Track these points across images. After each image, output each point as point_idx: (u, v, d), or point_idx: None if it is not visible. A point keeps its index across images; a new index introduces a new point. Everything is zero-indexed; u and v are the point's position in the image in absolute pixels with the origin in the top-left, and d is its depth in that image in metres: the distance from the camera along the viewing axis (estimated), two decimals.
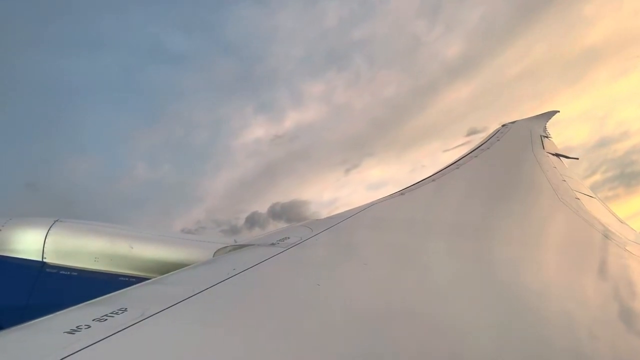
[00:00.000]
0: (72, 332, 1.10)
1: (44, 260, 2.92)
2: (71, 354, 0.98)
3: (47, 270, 2.91)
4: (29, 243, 2.94)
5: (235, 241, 2.92)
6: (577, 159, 7.94)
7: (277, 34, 22.09)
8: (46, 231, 2.95)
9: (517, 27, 21.44)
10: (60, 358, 0.96)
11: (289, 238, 2.31)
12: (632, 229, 4.19)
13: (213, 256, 2.64)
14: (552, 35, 21.86)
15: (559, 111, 11.74)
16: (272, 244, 2.21)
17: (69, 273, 2.93)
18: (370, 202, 3.73)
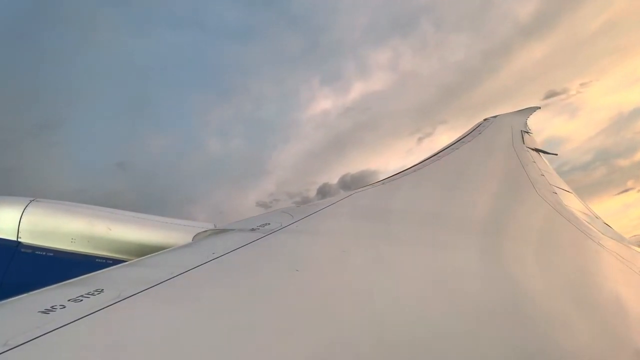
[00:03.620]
0: (46, 312, 1.10)
1: (19, 240, 2.87)
2: (45, 334, 0.98)
3: (22, 250, 2.86)
4: (4, 222, 2.88)
5: (215, 225, 2.92)
6: (556, 154, 8.15)
7: (341, 3, 21.32)
8: (21, 210, 2.89)
9: None
10: (34, 337, 0.96)
11: (269, 224, 2.33)
12: (606, 223, 4.36)
13: (192, 240, 2.63)
14: None
15: (539, 107, 11.99)
16: (252, 230, 2.22)
17: (44, 253, 2.88)
18: (352, 191, 3.77)
